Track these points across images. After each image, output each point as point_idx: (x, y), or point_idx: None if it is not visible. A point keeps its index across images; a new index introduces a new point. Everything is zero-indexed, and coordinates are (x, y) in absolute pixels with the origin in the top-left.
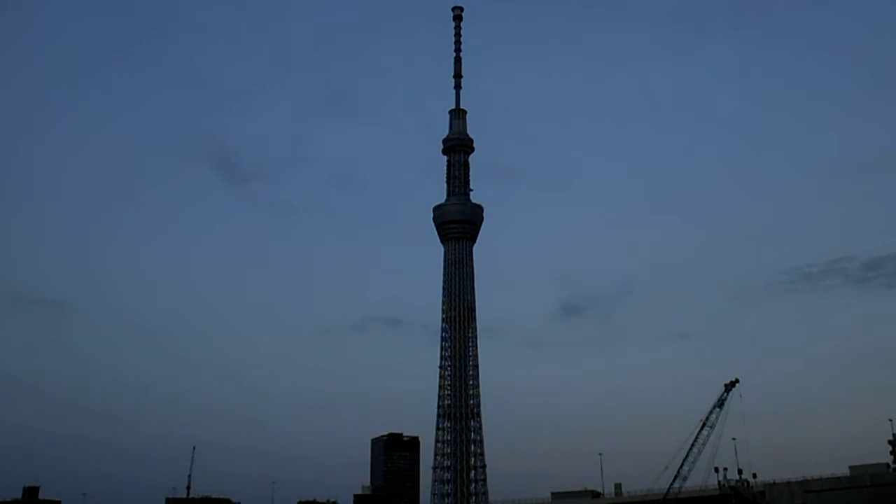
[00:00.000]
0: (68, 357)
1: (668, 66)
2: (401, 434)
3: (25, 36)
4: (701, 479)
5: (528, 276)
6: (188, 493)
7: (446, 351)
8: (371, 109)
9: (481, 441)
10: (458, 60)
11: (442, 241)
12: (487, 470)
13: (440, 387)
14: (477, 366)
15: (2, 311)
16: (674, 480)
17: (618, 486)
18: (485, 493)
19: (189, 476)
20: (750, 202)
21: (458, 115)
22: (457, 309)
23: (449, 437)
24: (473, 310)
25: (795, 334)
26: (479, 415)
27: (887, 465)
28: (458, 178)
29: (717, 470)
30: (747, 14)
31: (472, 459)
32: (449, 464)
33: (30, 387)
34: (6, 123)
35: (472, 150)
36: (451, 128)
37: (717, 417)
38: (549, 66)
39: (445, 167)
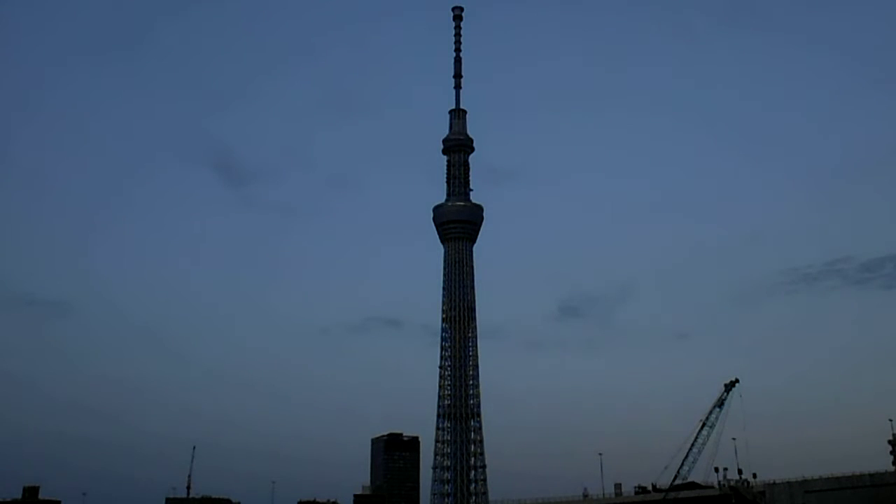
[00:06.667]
0: (68, 357)
1: (669, 65)
2: (401, 434)
3: (24, 35)
4: (701, 479)
5: (528, 276)
6: (188, 493)
7: (446, 351)
8: (370, 109)
9: (481, 441)
10: (458, 60)
11: (442, 242)
12: (487, 470)
13: (440, 387)
14: (477, 366)
15: (2, 311)
16: (674, 480)
17: (618, 486)
18: (485, 493)
19: (189, 476)
20: (749, 203)
21: (458, 115)
22: (457, 309)
23: (449, 437)
24: (473, 310)
25: (795, 335)
26: (479, 415)
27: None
28: (457, 178)
29: (717, 470)
30: (750, 12)
31: (472, 459)
32: (449, 464)
33: (30, 387)
34: (5, 123)
35: (472, 150)
36: (451, 128)
37: (716, 417)
38: (549, 67)
39: (445, 167)
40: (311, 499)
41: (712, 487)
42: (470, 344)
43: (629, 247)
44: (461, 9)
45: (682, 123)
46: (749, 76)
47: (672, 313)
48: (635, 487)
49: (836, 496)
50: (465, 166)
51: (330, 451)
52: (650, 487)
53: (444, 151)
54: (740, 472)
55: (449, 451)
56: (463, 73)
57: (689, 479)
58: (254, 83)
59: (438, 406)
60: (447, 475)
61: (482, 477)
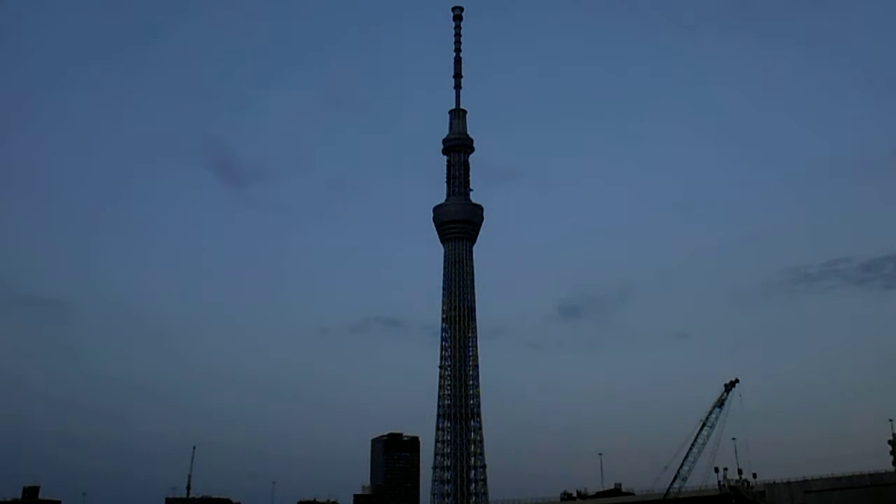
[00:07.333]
0: (68, 357)
1: (669, 66)
2: (401, 434)
3: (25, 36)
4: (701, 479)
5: (528, 276)
6: (188, 493)
7: (446, 351)
8: (371, 110)
9: (481, 441)
10: (458, 60)
11: (442, 242)
12: (487, 470)
13: (440, 387)
14: (477, 366)
15: (2, 311)
16: (674, 480)
17: (618, 486)
18: (485, 493)
19: (189, 476)
20: (749, 203)
21: (458, 115)
22: (457, 309)
23: (449, 437)
24: (473, 310)
25: (795, 335)
26: (479, 415)
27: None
28: (458, 178)
29: (717, 470)
30: (747, 13)
31: (472, 459)
32: (449, 464)
33: (30, 387)
34: (6, 123)
35: (472, 150)
36: (451, 128)
37: (716, 417)
38: (549, 67)
39: (445, 167)
40: (311, 499)
41: (633, 494)
42: (470, 344)
43: (629, 247)
44: (461, 9)
45: (681, 123)
46: (749, 77)
47: (672, 313)
48: (561, 494)
49: (836, 496)
50: (465, 166)
51: (330, 451)
52: (575, 494)
53: (444, 151)
54: (740, 472)
55: (449, 451)
56: (463, 73)
57: (688, 479)
58: (254, 85)
59: (438, 406)
60: (447, 475)
61: (482, 477)
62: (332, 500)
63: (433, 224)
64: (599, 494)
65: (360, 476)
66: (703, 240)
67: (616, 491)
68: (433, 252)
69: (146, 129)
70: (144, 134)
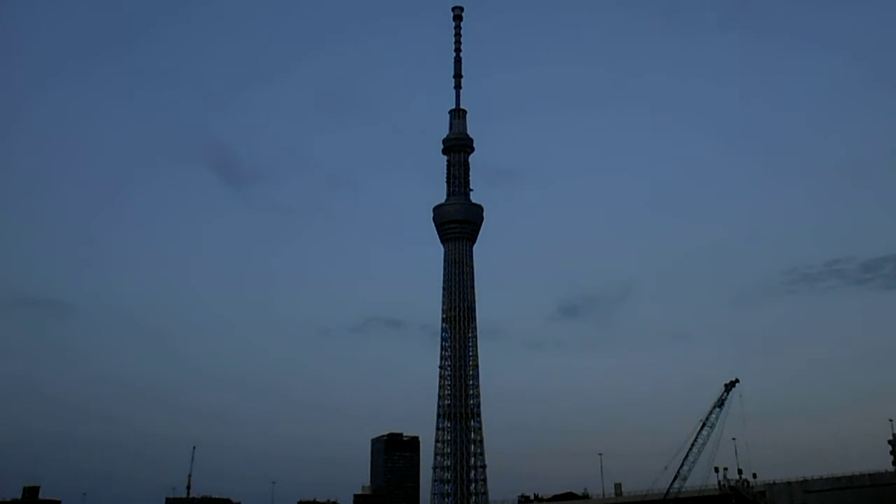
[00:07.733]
0: (68, 357)
1: (669, 66)
2: (401, 434)
3: (24, 35)
4: (701, 479)
5: (527, 276)
6: (188, 493)
7: (446, 351)
8: (370, 110)
9: (481, 441)
10: (458, 60)
11: (442, 242)
12: (487, 470)
13: (440, 387)
14: (477, 366)
15: (2, 311)
16: (674, 480)
17: (618, 486)
18: (485, 493)
19: (189, 476)
20: (749, 203)
21: (458, 115)
22: (457, 309)
23: (449, 437)
24: (473, 310)
25: (794, 335)
26: (479, 415)
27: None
28: (457, 178)
29: (717, 470)
30: (750, 13)
31: (472, 459)
32: (449, 464)
33: (30, 387)
34: (6, 123)
35: (472, 149)
36: (451, 128)
37: (716, 417)
38: (548, 67)
39: (445, 167)
40: (311, 499)
41: (588, 497)
42: (470, 344)
43: (629, 247)
44: (461, 9)
45: (681, 123)
46: (749, 76)
47: (672, 313)
48: (519, 497)
49: (836, 496)
50: (465, 166)
51: (330, 451)
52: (532, 497)
53: (444, 151)
54: (740, 472)
55: (449, 451)
56: (463, 73)
57: (688, 479)
58: (254, 84)
59: (438, 406)
60: (447, 475)
61: (482, 477)
62: (332, 500)
63: (433, 224)
64: (555, 498)
65: (360, 476)
66: (704, 240)
67: (571, 495)
68: (433, 252)
69: (145, 128)
70: (144, 133)
